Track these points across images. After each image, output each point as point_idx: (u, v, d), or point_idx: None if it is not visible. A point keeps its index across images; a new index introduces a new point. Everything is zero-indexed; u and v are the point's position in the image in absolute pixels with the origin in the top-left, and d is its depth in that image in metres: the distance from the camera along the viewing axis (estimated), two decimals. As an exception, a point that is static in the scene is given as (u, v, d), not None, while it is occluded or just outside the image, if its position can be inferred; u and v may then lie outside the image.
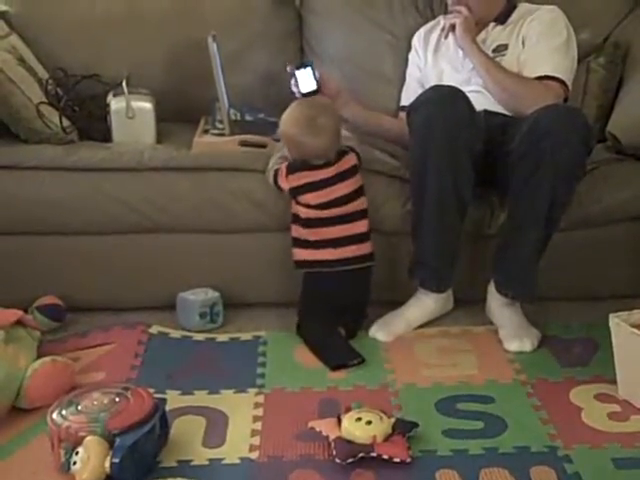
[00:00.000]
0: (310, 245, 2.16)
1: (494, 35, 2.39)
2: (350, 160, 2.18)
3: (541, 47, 2.31)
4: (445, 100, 2.08)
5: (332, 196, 2.14)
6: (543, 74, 2.27)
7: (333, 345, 2.16)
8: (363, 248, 2.17)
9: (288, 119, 2.16)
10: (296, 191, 2.16)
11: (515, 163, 2.08)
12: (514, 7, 2.42)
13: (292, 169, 2.16)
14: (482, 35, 2.40)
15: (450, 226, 2.15)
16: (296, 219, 2.18)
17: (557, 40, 2.32)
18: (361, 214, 2.18)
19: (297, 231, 2.18)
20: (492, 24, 2.40)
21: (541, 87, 2.25)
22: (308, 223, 2.16)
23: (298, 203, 2.17)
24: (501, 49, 2.37)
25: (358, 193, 2.18)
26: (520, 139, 2.07)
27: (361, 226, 2.17)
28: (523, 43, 2.34)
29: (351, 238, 2.16)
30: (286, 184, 2.16)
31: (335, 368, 2.06)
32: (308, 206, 2.15)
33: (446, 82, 2.38)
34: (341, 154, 2.18)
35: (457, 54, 2.41)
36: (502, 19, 2.40)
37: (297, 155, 2.17)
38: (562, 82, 2.28)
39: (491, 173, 2.18)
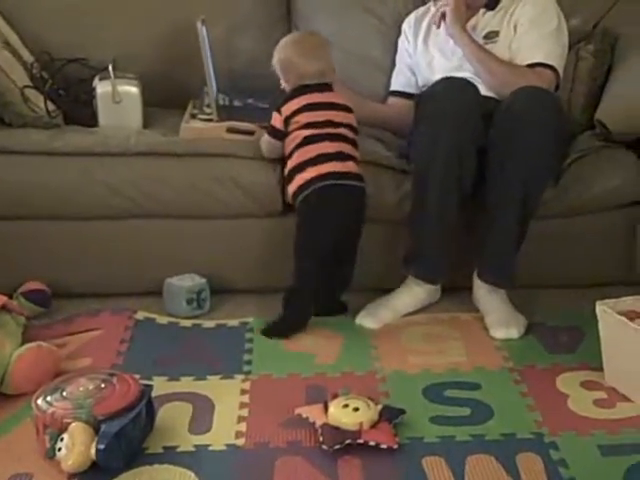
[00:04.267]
0: (298, 170, 2.13)
1: (485, 21, 2.38)
2: (347, 101, 2.20)
3: (533, 34, 2.30)
4: (456, 93, 2.08)
5: (323, 118, 2.14)
6: (535, 61, 2.27)
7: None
8: (351, 166, 2.13)
9: (282, 45, 2.24)
10: (291, 116, 2.15)
11: (489, 147, 2.10)
12: None
13: (286, 99, 2.17)
14: (472, 21, 2.39)
15: (451, 219, 2.14)
16: (287, 154, 2.17)
17: (549, 27, 2.31)
18: (351, 140, 2.16)
19: (288, 164, 2.16)
20: (482, 10, 2.39)
21: (532, 75, 2.25)
22: (298, 145, 2.13)
23: (290, 131, 2.15)
24: (492, 36, 2.36)
25: (351, 128, 2.17)
26: (493, 126, 2.09)
27: (349, 149, 2.14)
28: (515, 29, 2.33)
29: (338, 155, 2.12)
30: (280, 117, 2.16)
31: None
32: (299, 127, 2.14)
33: (436, 69, 2.39)
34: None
35: (447, 41, 2.40)
36: (492, 4, 2.38)
37: (293, 78, 2.19)
38: (554, 69, 2.27)
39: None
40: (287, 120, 2.16)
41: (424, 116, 2.11)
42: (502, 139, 2.07)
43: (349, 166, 2.12)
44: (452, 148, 2.06)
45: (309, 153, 2.12)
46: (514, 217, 2.10)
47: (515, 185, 2.07)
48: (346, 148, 2.14)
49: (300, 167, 2.13)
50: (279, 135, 2.19)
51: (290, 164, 2.15)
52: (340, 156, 2.12)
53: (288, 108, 2.16)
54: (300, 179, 2.12)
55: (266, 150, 2.25)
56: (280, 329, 2.16)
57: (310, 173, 2.11)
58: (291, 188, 2.15)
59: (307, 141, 2.13)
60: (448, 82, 2.11)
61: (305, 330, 2.17)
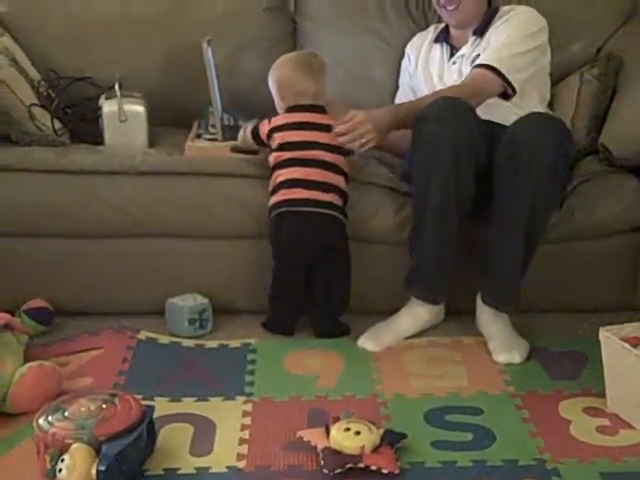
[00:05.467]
0: (272, 191, 2.20)
1: (473, 47, 2.38)
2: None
3: (496, 41, 2.30)
4: (454, 112, 2.08)
5: (302, 138, 2.18)
6: (482, 62, 2.26)
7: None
8: (316, 194, 2.15)
9: (281, 62, 2.30)
10: (275, 130, 2.21)
11: (495, 174, 2.10)
12: (494, 13, 2.38)
13: (279, 114, 2.24)
14: (463, 50, 2.40)
15: (450, 239, 2.14)
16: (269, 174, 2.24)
17: (512, 36, 2.29)
18: (329, 164, 2.17)
19: (269, 183, 2.23)
20: (472, 38, 2.39)
21: (471, 85, 2.23)
22: (273, 169, 2.21)
23: (270, 150, 2.22)
24: (476, 59, 2.35)
25: (333, 148, 2.19)
26: (499, 151, 2.09)
27: (321, 175, 2.16)
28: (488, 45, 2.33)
29: (302, 182, 2.16)
30: (267, 126, 2.22)
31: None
32: (275, 148, 2.20)
33: (435, 89, 2.38)
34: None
35: (443, 60, 2.43)
36: (480, 31, 2.37)
37: (290, 96, 2.24)
38: (499, 74, 2.23)
39: (481, 184, 2.18)
40: (271, 132, 2.21)
41: (422, 137, 2.11)
42: (509, 163, 2.06)
43: (314, 194, 2.15)
44: (450, 168, 2.06)
45: (278, 178, 2.18)
46: (521, 241, 2.09)
47: (523, 209, 2.06)
48: (317, 174, 2.16)
49: (272, 190, 2.20)
50: (257, 141, 2.27)
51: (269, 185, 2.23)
52: (304, 183, 2.16)
53: (276, 120, 2.22)
54: (270, 201, 2.19)
55: (242, 141, 2.32)
56: (270, 327, 2.27)
57: (275, 198, 2.18)
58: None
59: (280, 165, 2.19)
60: (445, 102, 2.11)
61: (295, 330, 2.28)
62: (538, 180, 2.05)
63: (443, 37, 2.47)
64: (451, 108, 2.08)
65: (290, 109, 2.24)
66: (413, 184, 2.20)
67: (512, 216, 2.09)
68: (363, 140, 2.10)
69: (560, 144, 2.08)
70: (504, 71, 2.23)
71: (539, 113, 2.18)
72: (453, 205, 2.09)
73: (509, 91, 2.26)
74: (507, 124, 2.24)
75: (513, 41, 2.29)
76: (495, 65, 2.23)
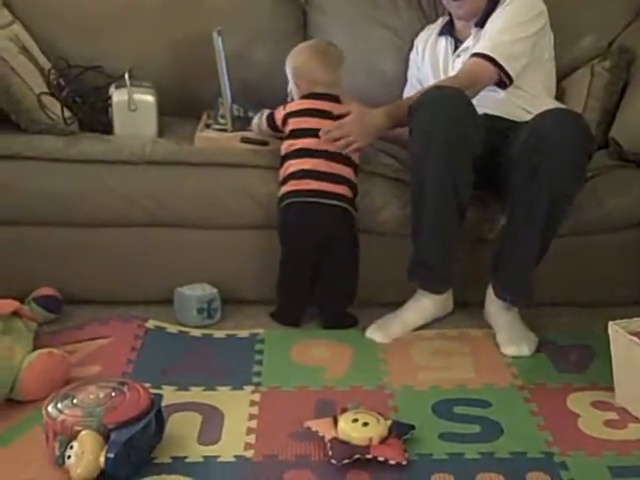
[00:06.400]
0: (282, 181, 2.21)
1: (476, 39, 2.36)
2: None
3: (492, 28, 2.28)
4: (447, 101, 2.06)
5: (312, 125, 2.18)
6: (477, 51, 2.25)
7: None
8: (325, 185, 2.16)
9: (299, 49, 2.31)
10: (290, 116, 2.22)
11: (514, 168, 2.08)
12: (497, 2, 2.34)
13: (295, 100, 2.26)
14: (467, 43, 2.38)
15: (449, 227, 2.14)
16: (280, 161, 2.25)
17: (508, 22, 2.27)
18: (334, 155, 2.17)
19: (279, 173, 2.23)
20: (474, 30, 2.37)
21: (466, 75, 2.22)
22: (284, 158, 2.22)
23: (283, 138, 2.23)
24: None
25: None
26: (520, 144, 2.07)
27: (327, 166, 2.16)
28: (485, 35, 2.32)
29: (311, 172, 2.16)
30: (283, 112, 2.24)
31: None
32: (287, 135, 2.21)
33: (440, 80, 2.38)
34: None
35: (447, 56, 2.42)
36: (481, 23, 2.35)
37: (305, 84, 2.25)
38: (494, 62, 2.21)
39: (492, 177, 2.17)
40: (286, 118, 2.23)
41: (415, 128, 2.10)
42: (530, 157, 2.03)
43: (323, 185, 2.15)
44: (444, 159, 2.05)
45: (289, 169, 2.19)
46: (537, 238, 2.08)
47: (542, 205, 2.04)
48: (326, 166, 2.16)
49: (282, 181, 2.21)
50: (272, 126, 2.28)
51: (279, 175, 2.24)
52: (314, 174, 2.16)
53: (291, 106, 2.24)
54: (280, 191, 2.20)
55: (256, 128, 2.34)
56: (278, 317, 2.27)
57: (285, 188, 2.18)
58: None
59: (291, 155, 2.19)
60: (439, 91, 2.10)
61: (302, 321, 2.28)
62: (560, 177, 2.02)
63: (447, 30, 2.46)
64: (444, 97, 2.07)
65: (304, 97, 2.25)
66: (410, 173, 2.18)
67: (531, 212, 2.07)
68: (343, 142, 2.12)
69: (584, 142, 2.05)
70: (499, 59, 2.22)
71: (562, 109, 2.16)
72: (450, 191, 2.08)
73: (505, 79, 2.25)
74: (515, 119, 2.25)
75: (509, 27, 2.27)
76: (490, 53, 2.22)
